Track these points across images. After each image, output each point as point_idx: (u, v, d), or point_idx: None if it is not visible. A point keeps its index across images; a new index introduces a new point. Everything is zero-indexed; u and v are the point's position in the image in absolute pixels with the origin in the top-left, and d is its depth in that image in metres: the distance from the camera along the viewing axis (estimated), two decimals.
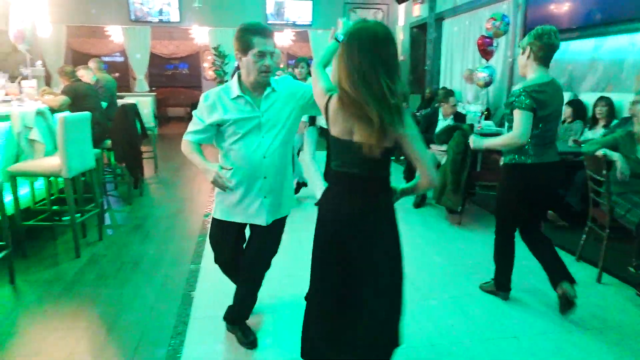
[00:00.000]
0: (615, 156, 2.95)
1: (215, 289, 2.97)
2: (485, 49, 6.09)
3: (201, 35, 11.14)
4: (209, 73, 13.85)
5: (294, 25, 10.85)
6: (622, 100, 4.22)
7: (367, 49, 1.47)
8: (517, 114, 2.42)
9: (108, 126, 4.85)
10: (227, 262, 2.42)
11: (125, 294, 2.92)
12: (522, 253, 2.87)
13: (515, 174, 2.58)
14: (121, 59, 13.62)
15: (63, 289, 2.97)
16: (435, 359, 2.26)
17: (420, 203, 4.86)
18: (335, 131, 1.62)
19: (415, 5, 9.50)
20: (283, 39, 12.30)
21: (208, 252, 3.58)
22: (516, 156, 2.54)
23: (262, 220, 2.20)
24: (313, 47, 11.14)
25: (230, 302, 2.74)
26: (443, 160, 4.46)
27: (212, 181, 2.05)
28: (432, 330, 2.50)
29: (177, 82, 14.58)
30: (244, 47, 1.99)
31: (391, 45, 1.51)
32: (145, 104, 6.65)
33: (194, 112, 2.15)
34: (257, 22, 2.06)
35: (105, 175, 5.58)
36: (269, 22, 10.61)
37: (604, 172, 2.97)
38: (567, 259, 3.45)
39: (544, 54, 2.48)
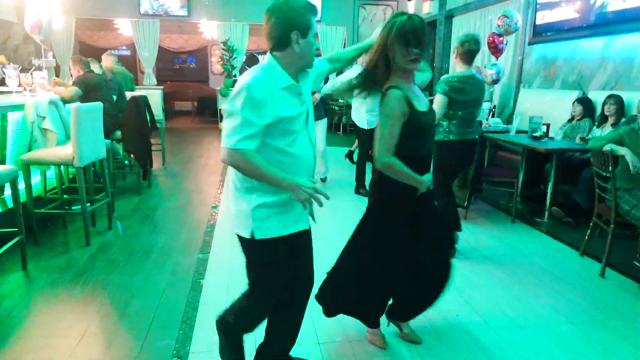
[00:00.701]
0: (623, 150, 2.97)
1: (223, 277, 3.03)
2: (496, 47, 6.09)
3: (210, 29, 11.20)
4: (217, 67, 13.94)
5: None
6: (632, 98, 4.22)
7: None
8: (436, 97, 3.13)
9: (119, 117, 4.91)
10: (285, 289, 1.90)
11: (136, 281, 2.98)
12: (531, 247, 2.90)
13: (443, 148, 3.20)
14: (127, 52, 13.70)
15: (75, 275, 3.03)
16: (441, 347, 2.30)
17: None
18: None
19: (426, 2, 9.48)
20: None
21: (216, 242, 3.66)
22: (443, 135, 3.22)
23: (307, 224, 1.89)
24: (322, 42, 11.15)
25: (238, 288, 2.79)
26: None
27: (304, 198, 1.63)
28: (439, 319, 2.54)
29: (185, 76, 14.66)
30: (305, 28, 1.64)
31: None
32: (154, 97, 6.71)
33: (238, 111, 1.56)
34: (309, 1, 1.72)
35: (114, 165, 5.65)
36: None
37: (610, 167, 2.99)
38: (571, 254, 3.50)
39: (466, 56, 3.20)
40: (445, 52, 8.92)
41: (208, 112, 12.47)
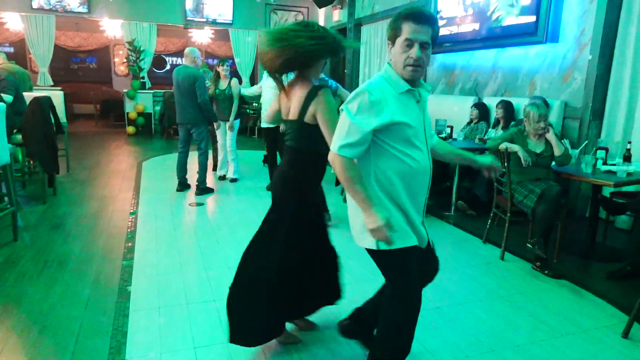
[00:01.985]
0: (515, 147, 3.42)
1: (151, 282, 2.96)
2: None
3: (113, 28, 10.56)
4: (121, 69, 13.17)
5: (214, 23, 10.71)
6: (519, 104, 4.83)
7: None
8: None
9: (15, 120, 4.50)
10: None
11: (54, 292, 2.79)
12: (442, 237, 3.19)
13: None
14: (10, 50, 12.34)
15: None
16: None
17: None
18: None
19: (335, 10, 9.88)
20: (202, 37, 12.07)
21: (140, 248, 3.54)
22: None
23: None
24: (234, 46, 11.09)
25: (169, 292, 2.78)
26: None
27: (376, 238, 1.64)
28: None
29: (85, 77, 13.63)
30: (393, 36, 1.67)
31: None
32: (55, 98, 6.21)
33: (351, 115, 1.61)
34: (416, 6, 1.72)
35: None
36: (188, 18, 10.40)
37: (506, 163, 3.43)
38: (476, 242, 3.93)
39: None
40: (355, 59, 9.37)
41: (113, 115, 11.72)
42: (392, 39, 1.68)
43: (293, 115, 2.11)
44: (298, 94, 2.09)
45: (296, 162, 2.14)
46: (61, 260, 3.29)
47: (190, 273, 3.12)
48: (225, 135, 5.72)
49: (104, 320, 2.49)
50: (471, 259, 3.61)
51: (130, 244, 3.62)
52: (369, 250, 1.79)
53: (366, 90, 1.63)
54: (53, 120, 4.83)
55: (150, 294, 2.79)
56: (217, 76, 5.63)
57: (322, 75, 2.27)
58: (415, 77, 1.67)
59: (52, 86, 9.58)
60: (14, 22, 9.94)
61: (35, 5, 9.33)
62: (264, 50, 2.04)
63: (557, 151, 3.41)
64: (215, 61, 13.16)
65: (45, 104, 4.55)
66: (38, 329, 2.39)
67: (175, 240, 3.77)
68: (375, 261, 1.82)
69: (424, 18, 1.62)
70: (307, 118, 2.05)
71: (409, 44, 1.62)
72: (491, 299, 2.92)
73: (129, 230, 3.96)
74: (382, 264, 1.81)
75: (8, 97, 4.67)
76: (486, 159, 2.02)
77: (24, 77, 5.90)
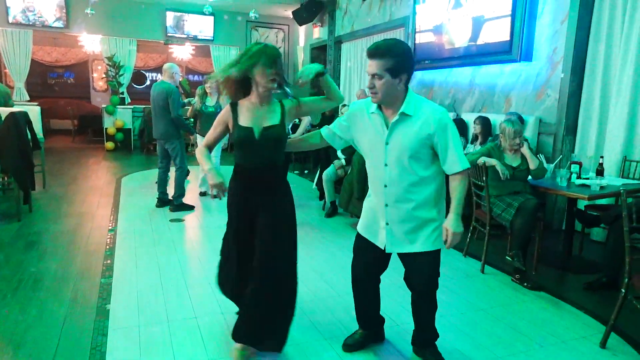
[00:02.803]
0: (493, 161, 3.50)
1: (131, 300, 2.90)
2: None
3: (91, 43, 10.48)
4: (99, 84, 13.04)
5: (195, 39, 10.74)
6: (496, 120, 4.96)
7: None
8: None
9: None
10: None
11: (29, 312, 2.71)
12: None
13: None
14: None
15: None
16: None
17: (331, 213, 5.14)
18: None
19: (315, 28, 10.03)
20: (182, 53, 12.08)
21: (119, 266, 3.47)
22: None
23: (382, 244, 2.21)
24: (214, 62, 11.12)
25: (150, 310, 2.74)
26: (348, 171, 4.81)
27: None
28: (350, 320, 2.73)
29: (62, 92, 13.43)
30: None
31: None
32: (32, 114, 6.10)
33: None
34: (374, 44, 2.03)
35: None
36: (169, 34, 10.40)
37: (484, 177, 3.51)
38: (456, 255, 3.97)
39: None
40: (335, 75, 9.50)
41: (91, 131, 11.54)
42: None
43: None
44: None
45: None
46: (36, 278, 3.20)
47: (170, 290, 3.08)
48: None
49: (81, 339, 2.43)
50: (452, 272, 3.64)
51: (109, 262, 3.55)
52: None
53: (349, 105, 2.19)
54: (29, 136, 4.74)
55: (130, 312, 2.74)
56: (204, 92, 5.68)
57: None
58: (375, 102, 2.05)
59: (28, 101, 9.42)
60: None
61: (11, 19, 9.21)
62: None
63: (532, 165, 3.51)
64: (198, 77, 13.09)
65: (21, 119, 4.48)
66: (13, 350, 2.31)
67: (155, 257, 3.71)
68: None
69: (371, 54, 2.00)
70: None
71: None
72: (472, 311, 2.96)
73: (107, 247, 3.89)
74: None
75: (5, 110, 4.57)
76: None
77: (3, 94, 5.79)
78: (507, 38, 5.03)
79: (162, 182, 5.27)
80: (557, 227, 4.63)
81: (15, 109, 4.99)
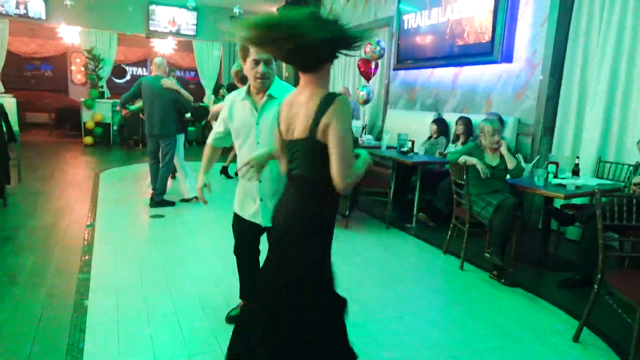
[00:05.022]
0: (474, 160, 3.56)
1: (109, 296, 2.86)
2: (366, 71, 6.72)
3: (70, 35, 10.25)
4: (78, 77, 12.79)
5: (178, 34, 10.61)
6: (477, 120, 5.03)
7: None
8: None
9: None
10: None
11: (4, 308, 2.65)
12: (404, 248, 3.25)
13: None
14: None
15: None
16: None
17: None
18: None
19: None
20: (164, 48, 11.92)
21: (97, 261, 3.42)
22: None
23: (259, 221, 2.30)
24: (197, 57, 11.00)
25: (129, 305, 2.72)
26: None
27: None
28: None
29: (39, 84, 13.13)
30: (243, 54, 2.13)
31: None
32: (7, 106, 5.95)
33: None
34: None
35: None
36: (151, 28, 10.24)
37: (465, 176, 3.56)
38: (436, 252, 4.03)
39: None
40: None
41: (69, 125, 11.31)
42: (243, 58, 2.13)
43: (299, 133, 1.62)
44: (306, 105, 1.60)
45: (309, 196, 1.65)
46: (12, 274, 3.13)
47: (150, 286, 3.04)
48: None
49: (58, 335, 2.39)
50: (432, 269, 3.70)
51: (87, 257, 3.49)
52: None
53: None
54: (5, 128, 4.63)
55: (108, 308, 2.70)
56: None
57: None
58: (267, 86, 2.14)
59: (3, 93, 9.17)
60: None
61: None
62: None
63: (510, 164, 3.58)
64: (180, 73, 12.92)
65: None
66: None
67: (135, 252, 3.67)
68: None
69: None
70: (319, 135, 1.56)
71: (256, 62, 2.09)
72: (451, 307, 3.01)
73: (85, 243, 3.83)
74: None
75: None
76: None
77: None
78: (489, 39, 5.11)
79: (155, 178, 5.15)
80: (534, 226, 4.73)
81: None
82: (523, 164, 3.82)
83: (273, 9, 10.23)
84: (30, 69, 13.14)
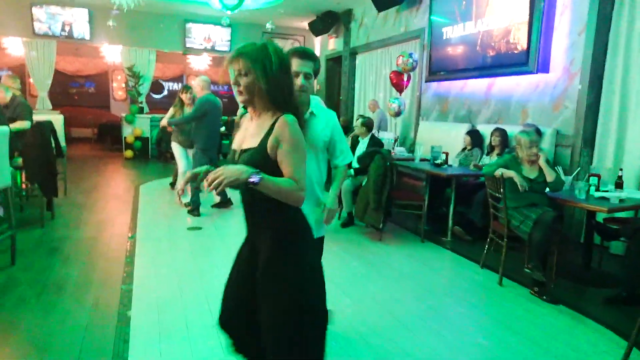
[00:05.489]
0: (511, 173, 3.49)
1: (151, 307, 2.95)
2: (398, 83, 6.72)
3: (112, 53, 10.74)
4: (119, 93, 13.32)
5: (213, 50, 10.92)
6: (513, 131, 4.95)
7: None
8: None
9: (17, 144, 4.53)
10: None
11: (53, 318, 2.78)
12: (440, 263, 3.22)
13: None
14: (9, 73, 12.48)
15: None
16: (371, 356, 2.49)
17: (347, 223, 5.17)
18: None
19: (331, 39, 10.12)
20: (200, 63, 12.28)
21: (139, 273, 3.53)
22: None
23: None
24: (231, 72, 11.24)
25: (170, 317, 2.79)
26: (364, 182, 4.83)
27: None
28: (366, 331, 2.74)
29: (83, 101, 13.75)
30: None
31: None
32: (55, 123, 6.27)
33: None
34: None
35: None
36: (187, 45, 10.59)
37: (501, 189, 3.50)
38: (473, 267, 3.95)
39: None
40: (350, 86, 9.56)
41: (110, 139, 11.78)
42: None
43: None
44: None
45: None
46: (59, 284, 3.28)
47: (189, 297, 3.12)
48: (187, 162, 5.64)
49: (104, 346, 2.48)
50: (469, 284, 3.63)
51: (129, 268, 3.62)
52: None
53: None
54: (53, 144, 4.87)
55: (150, 319, 2.79)
56: (182, 103, 5.75)
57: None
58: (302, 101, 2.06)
59: (51, 110, 9.66)
60: (15, 47, 10.11)
61: (38, 31, 9.48)
62: None
63: (549, 177, 3.49)
64: (214, 87, 13.27)
65: (46, 128, 4.61)
66: (37, 355, 2.38)
67: (174, 263, 3.77)
68: None
69: (307, 55, 2.12)
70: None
71: (296, 74, 2.05)
72: (490, 324, 2.94)
73: (127, 254, 3.96)
74: None
75: (27, 124, 4.69)
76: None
77: (29, 109, 5.94)
78: (524, 49, 5.03)
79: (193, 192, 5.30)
80: (575, 240, 4.57)
81: (40, 117, 5.14)
82: (563, 176, 3.72)
83: (304, 24, 10.42)
84: (75, 86, 13.78)
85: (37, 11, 9.37)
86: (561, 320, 2.98)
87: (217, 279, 3.48)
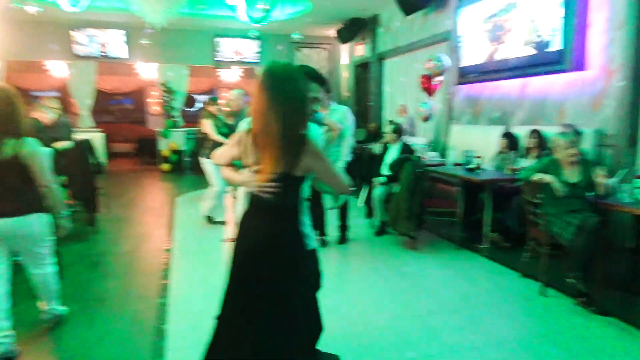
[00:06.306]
0: (549, 178, 3.36)
1: (187, 320, 3.00)
2: (428, 87, 6.63)
3: (147, 70, 11.12)
4: (155, 108, 13.74)
5: (242, 62, 11.11)
6: (549, 132, 4.77)
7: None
8: None
9: (60, 163, 4.73)
10: None
11: (94, 331, 2.87)
12: (476, 271, 3.12)
13: None
14: (54, 94, 13.12)
15: (25, 329, 2.86)
16: None
17: (380, 232, 5.11)
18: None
19: (358, 46, 10.11)
20: (230, 76, 12.53)
21: (175, 286, 3.60)
22: None
23: None
24: None
25: (205, 330, 2.79)
26: (395, 189, 4.76)
27: None
28: (402, 345, 2.68)
29: (121, 117, 14.29)
30: None
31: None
32: (96, 140, 6.54)
33: None
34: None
35: None
36: (218, 59, 10.82)
37: (540, 195, 3.37)
38: (512, 275, 3.82)
39: None
40: (378, 91, 9.50)
41: (148, 154, 12.15)
42: None
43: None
44: None
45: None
46: (100, 298, 3.38)
47: None
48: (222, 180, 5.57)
49: (140, 359, 2.53)
50: (508, 294, 3.50)
51: (165, 282, 3.70)
52: None
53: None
54: (92, 161, 5.06)
55: (185, 334, 2.83)
56: (212, 115, 5.51)
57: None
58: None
59: (92, 128, 10.07)
60: (58, 70, 10.63)
61: (78, 53, 9.91)
62: None
63: (601, 190, 3.34)
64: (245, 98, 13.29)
65: (85, 146, 4.79)
66: None
67: (209, 277, 3.82)
68: None
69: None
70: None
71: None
72: (532, 338, 2.82)
73: (164, 267, 4.05)
74: None
75: (69, 143, 4.90)
76: None
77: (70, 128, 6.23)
78: (558, 48, 4.85)
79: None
80: (622, 246, 4.34)
81: (82, 136, 5.36)
82: (609, 180, 3.52)
83: (331, 32, 10.45)
84: (114, 103, 14.34)
85: (76, 34, 9.81)
86: (610, 333, 2.83)
87: None
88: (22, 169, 2.48)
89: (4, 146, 2.43)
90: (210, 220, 5.42)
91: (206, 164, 5.48)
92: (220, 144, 4.98)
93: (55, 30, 9.60)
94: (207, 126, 5.31)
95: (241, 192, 2.14)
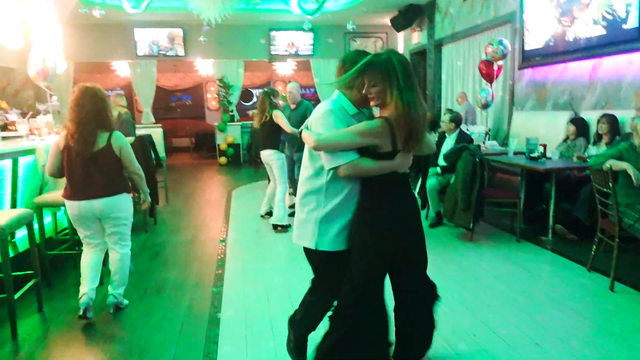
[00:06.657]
0: (624, 165, 3.08)
1: (239, 309, 3.06)
2: (488, 73, 6.31)
3: (204, 67, 11.48)
4: (212, 103, 14.18)
5: (297, 55, 11.16)
6: (624, 117, 4.39)
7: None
8: None
9: None
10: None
11: (153, 318, 2.99)
12: (539, 265, 2.93)
13: None
14: (119, 92, 13.90)
15: (91, 314, 3.03)
16: None
17: (436, 223, 4.96)
18: None
19: (414, 33, 9.82)
20: (285, 69, 12.65)
21: (229, 276, 3.69)
22: None
23: None
24: (315, 75, 11.44)
25: (256, 320, 2.84)
26: (452, 180, 4.59)
27: None
28: (457, 341, 2.57)
29: (181, 113, 14.87)
30: None
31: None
32: (155, 135, 6.82)
33: (340, 130, 1.90)
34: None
35: None
36: (272, 53, 10.95)
37: (611, 184, 3.09)
38: (579, 270, 3.56)
39: None
40: (436, 79, 9.19)
41: (206, 148, 12.60)
42: None
43: None
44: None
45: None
46: (159, 286, 3.53)
47: (275, 303, 3.17)
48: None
49: (195, 346, 2.61)
50: (574, 289, 3.26)
51: (220, 271, 3.80)
52: None
53: (331, 111, 2.00)
54: (153, 156, 5.29)
55: (238, 323, 2.88)
56: (269, 106, 5.02)
57: None
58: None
59: (153, 123, 10.56)
60: (122, 69, 11.24)
61: (140, 52, 10.42)
62: None
63: None
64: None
65: (146, 141, 5.01)
66: (139, 353, 2.57)
67: (262, 268, 3.88)
68: None
69: None
70: None
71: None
72: (600, 336, 2.60)
73: (219, 257, 4.17)
74: None
75: (131, 139, 5.14)
76: None
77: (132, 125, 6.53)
78: (635, 24, 4.42)
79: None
80: None
81: (142, 131, 5.61)
82: None
83: (385, 20, 10.23)
84: (174, 100, 14.95)
85: (138, 34, 10.30)
86: None
87: (301, 283, 3.51)
88: (114, 158, 2.89)
89: (99, 138, 2.83)
90: (275, 228, 4.98)
91: (277, 160, 5.00)
92: (295, 137, 4.75)
93: (118, 31, 10.13)
94: (281, 119, 4.86)
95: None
